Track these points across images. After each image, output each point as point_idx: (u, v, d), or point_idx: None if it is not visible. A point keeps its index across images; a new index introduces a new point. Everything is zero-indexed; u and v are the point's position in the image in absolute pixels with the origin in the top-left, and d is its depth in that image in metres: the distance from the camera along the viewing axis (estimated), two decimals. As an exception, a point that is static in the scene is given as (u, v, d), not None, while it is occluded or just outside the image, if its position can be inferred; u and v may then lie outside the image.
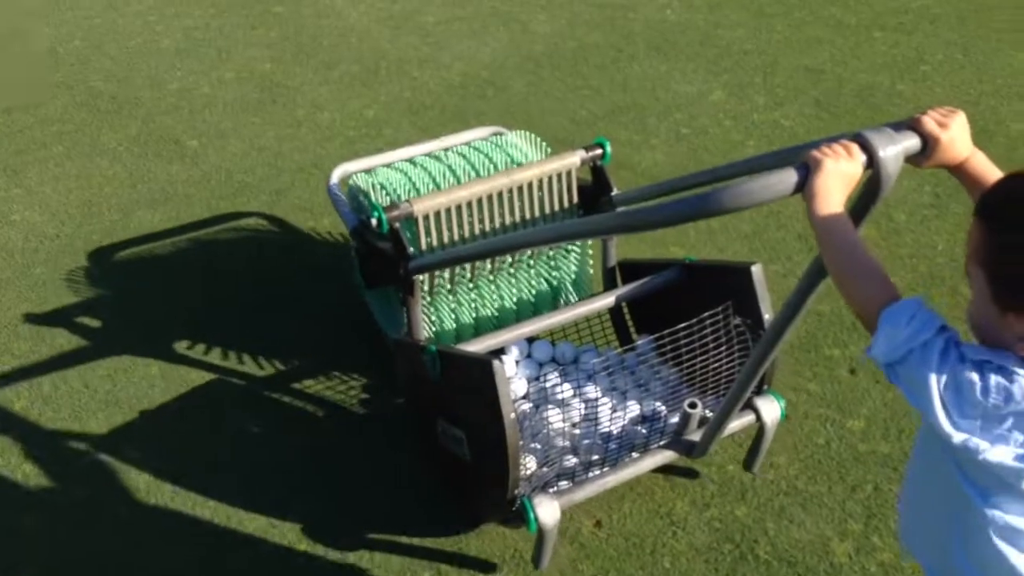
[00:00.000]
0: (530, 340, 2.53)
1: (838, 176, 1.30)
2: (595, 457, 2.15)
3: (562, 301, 2.65)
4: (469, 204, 2.34)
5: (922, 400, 1.17)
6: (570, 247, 2.62)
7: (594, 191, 2.48)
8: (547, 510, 1.98)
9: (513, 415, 1.91)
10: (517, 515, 2.03)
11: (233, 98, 4.21)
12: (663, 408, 2.26)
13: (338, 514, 2.36)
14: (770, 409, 2.19)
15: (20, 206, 3.55)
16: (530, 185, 2.40)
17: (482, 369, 1.93)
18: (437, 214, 2.31)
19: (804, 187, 1.32)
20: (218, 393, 2.72)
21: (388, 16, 4.98)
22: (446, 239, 2.35)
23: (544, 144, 2.64)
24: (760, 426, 2.21)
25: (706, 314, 2.17)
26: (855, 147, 1.32)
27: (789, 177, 1.33)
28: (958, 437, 1.16)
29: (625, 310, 2.61)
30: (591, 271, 2.70)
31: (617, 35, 4.71)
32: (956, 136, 1.35)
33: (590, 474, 2.11)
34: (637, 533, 2.24)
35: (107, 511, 2.37)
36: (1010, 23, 4.61)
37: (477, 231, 2.37)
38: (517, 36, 4.74)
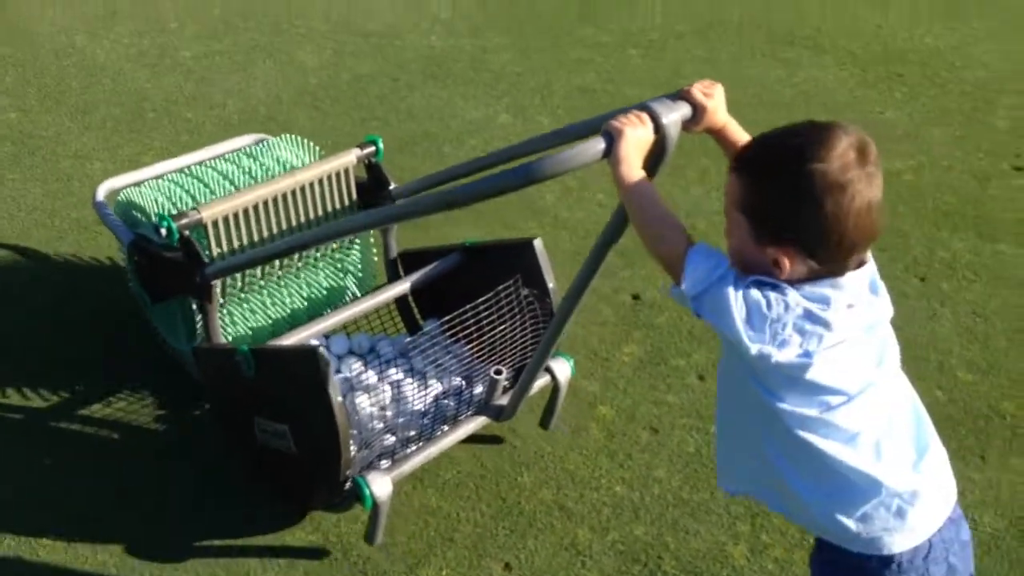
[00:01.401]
0: (325, 336, 2.60)
1: (636, 142, 1.52)
2: (412, 433, 2.29)
3: (350, 295, 2.76)
4: (256, 207, 2.42)
5: (726, 320, 1.39)
6: (353, 242, 2.74)
7: (371, 186, 2.62)
8: (380, 485, 2.12)
9: (340, 398, 2.03)
10: (345, 498, 2.16)
11: (-19, 154, 3.74)
12: (463, 381, 2.44)
13: (156, 528, 2.34)
14: (562, 369, 2.46)
15: None
16: (311, 185, 2.51)
17: (305, 359, 2.05)
18: (226, 219, 2.37)
19: (610, 153, 1.52)
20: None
21: (139, 53, 4.63)
22: (236, 244, 2.41)
23: (312, 145, 2.73)
24: (555, 385, 2.47)
25: (500, 287, 2.34)
26: (645, 115, 1.54)
27: (597, 144, 1.52)
28: (754, 348, 1.38)
29: (409, 297, 2.74)
30: (375, 262, 2.83)
31: (389, 64, 4.68)
32: (718, 105, 1.60)
33: (409, 449, 2.27)
34: (547, 570, 2.25)
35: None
36: (738, 36, 5.09)
37: (266, 233, 2.45)
38: (286, 69, 4.59)
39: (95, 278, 3.13)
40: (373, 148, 2.60)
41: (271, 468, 2.35)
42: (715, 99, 1.59)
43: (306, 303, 2.68)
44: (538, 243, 2.42)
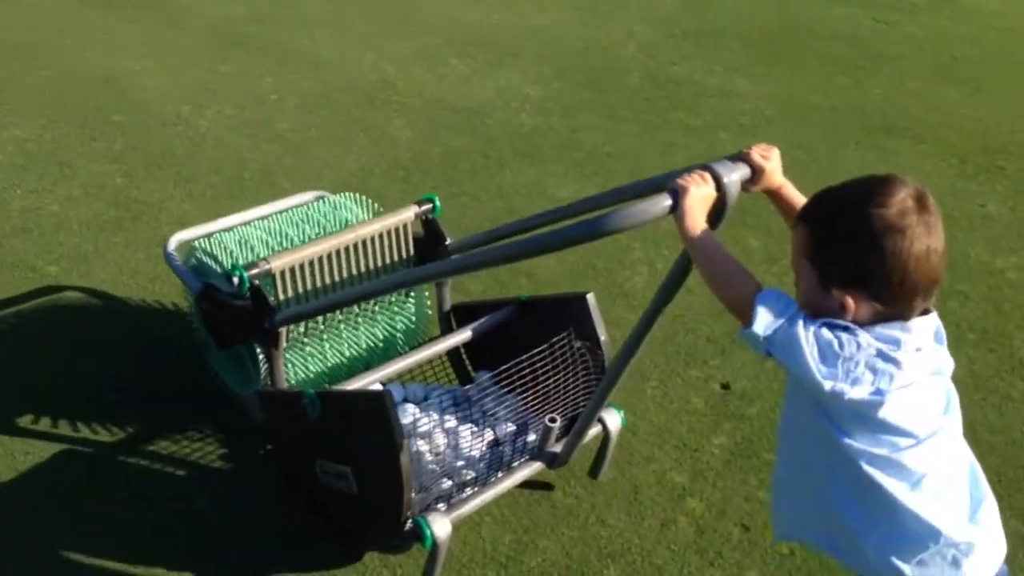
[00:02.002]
0: (381, 384, 2.65)
1: (700, 199, 1.63)
2: (468, 478, 2.37)
3: (404, 345, 2.87)
4: (320, 259, 2.55)
5: (798, 360, 1.46)
6: (409, 294, 2.86)
7: (427, 242, 2.75)
8: (440, 526, 2.17)
9: (405, 440, 2.11)
10: (404, 539, 2.21)
11: (87, 217, 3.87)
12: (517, 429, 2.50)
13: (214, 564, 2.40)
14: (612, 419, 2.53)
15: None
16: (372, 239, 2.64)
17: (373, 402, 2.14)
18: (292, 270, 2.51)
19: (676, 209, 1.61)
20: (64, 468, 2.68)
21: (241, 123, 4.78)
22: (301, 293, 2.54)
23: (371, 202, 2.87)
24: (605, 434, 2.53)
25: (555, 340, 2.42)
26: (708, 175, 1.65)
27: (664, 201, 1.62)
28: (827, 384, 1.44)
29: (461, 349, 2.82)
30: (429, 314, 2.94)
31: (479, 140, 4.74)
32: (776, 167, 1.72)
33: (465, 493, 2.33)
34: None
35: None
36: (831, 122, 5.04)
37: (328, 283, 2.58)
38: (379, 142, 4.68)
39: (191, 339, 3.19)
40: (430, 205, 2.73)
41: (330, 509, 2.42)
42: (772, 161, 1.71)
43: (363, 352, 2.79)
44: (591, 297, 2.49)
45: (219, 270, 2.64)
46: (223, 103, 4.96)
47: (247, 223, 2.87)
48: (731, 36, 6.24)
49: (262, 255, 2.59)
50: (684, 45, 6.07)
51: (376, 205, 2.88)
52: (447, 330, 2.84)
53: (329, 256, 2.56)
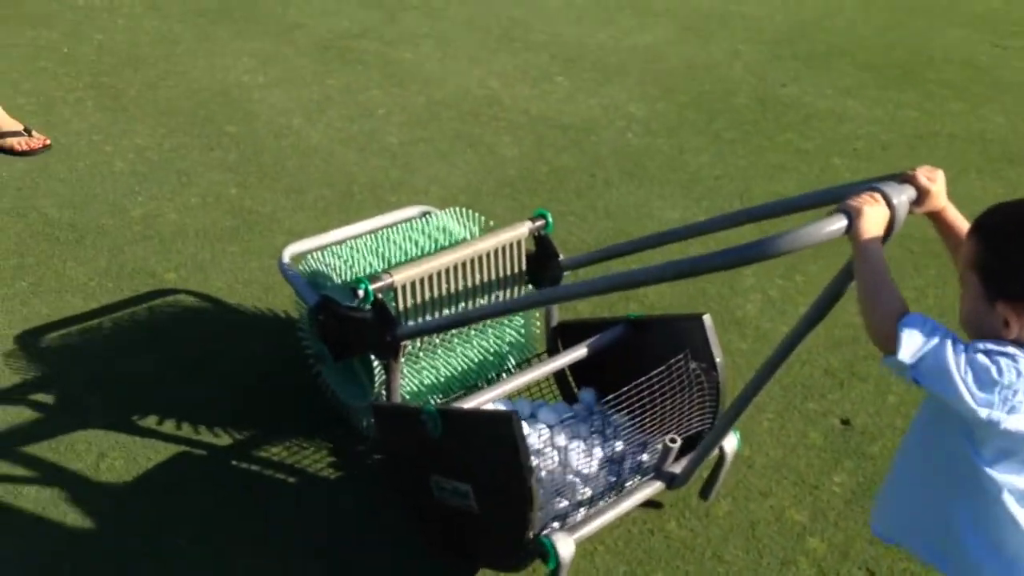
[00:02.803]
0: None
1: (876, 219, 1.62)
2: (583, 497, 2.35)
3: (511, 360, 2.88)
4: (439, 273, 2.58)
5: (948, 388, 1.43)
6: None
7: (539, 257, 2.76)
8: (565, 545, 2.16)
9: (532, 462, 2.10)
10: (523, 559, 2.21)
11: (204, 226, 3.95)
12: (631, 449, 2.49)
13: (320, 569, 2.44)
14: (729, 441, 2.50)
15: (-18, 351, 3.20)
16: (488, 254, 2.66)
17: (501, 423, 2.12)
18: (413, 283, 2.53)
19: (851, 230, 1.62)
20: (182, 470, 2.76)
21: (349, 136, 4.84)
22: (418, 305, 2.57)
23: (479, 216, 2.88)
24: (721, 456, 2.51)
25: (672, 360, 2.42)
26: (879, 195, 1.65)
27: (839, 221, 1.63)
28: (983, 412, 1.42)
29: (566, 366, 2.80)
30: (537, 332, 2.94)
31: (586, 159, 4.71)
32: (941, 189, 1.73)
33: (581, 513, 2.32)
34: None
35: None
36: (950, 152, 4.87)
37: (444, 297, 2.61)
38: (486, 158, 4.69)
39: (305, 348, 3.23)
40: (543, 221, 2.75)
41: (444, 525, 2.41)
42: (938, 184, 1.72)
43: (474, 366, 2.81)
44: (707, 318, 2.46)
45: (339, 282, 2.67)
46: (332, 116, 5.03)
47: (360, 236, 2.91)
48: (842, 58, 6.10)
49: (378, 268, 2.62)
50: (793, 66, 5.95)
51: (488, 221, 2.89)
52: (553, 346, 2.85)
53: (447, 270, 2.60)
